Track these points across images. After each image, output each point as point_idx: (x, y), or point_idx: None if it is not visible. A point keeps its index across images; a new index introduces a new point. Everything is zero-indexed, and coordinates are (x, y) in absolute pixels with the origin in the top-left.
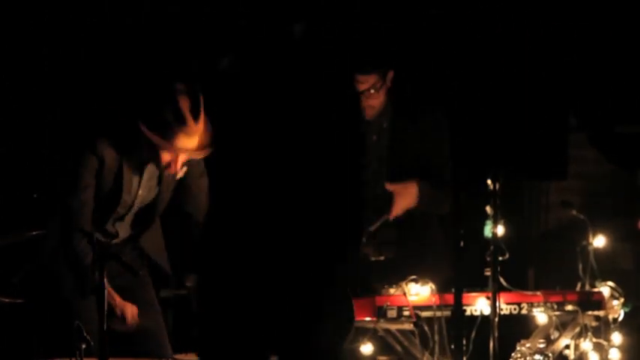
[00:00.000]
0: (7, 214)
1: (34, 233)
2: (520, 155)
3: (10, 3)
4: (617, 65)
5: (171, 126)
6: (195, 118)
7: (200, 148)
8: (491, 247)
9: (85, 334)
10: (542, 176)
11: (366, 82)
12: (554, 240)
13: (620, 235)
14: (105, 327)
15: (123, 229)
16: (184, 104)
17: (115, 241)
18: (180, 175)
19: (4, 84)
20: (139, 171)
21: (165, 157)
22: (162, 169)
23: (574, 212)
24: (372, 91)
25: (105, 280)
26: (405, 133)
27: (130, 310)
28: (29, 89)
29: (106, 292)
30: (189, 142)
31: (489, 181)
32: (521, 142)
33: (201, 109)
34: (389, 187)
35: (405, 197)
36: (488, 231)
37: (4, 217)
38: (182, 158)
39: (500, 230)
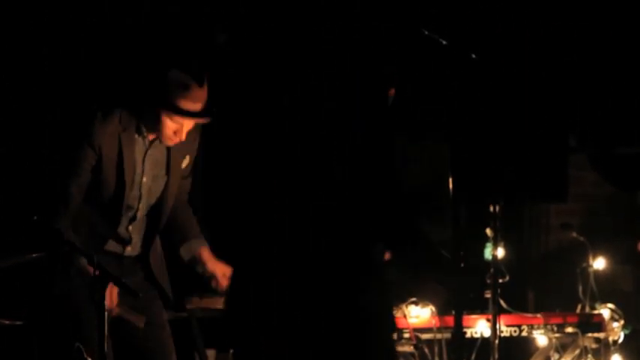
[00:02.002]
0: (7, 237)
1: (34, 256)
2: (520, 177)
3: (10, 3)
4: (617, 86)
5: (175, 90)
6: (200, 82)
7: (205, 112)
8: (492, 270)
9: (85, 357)
10: (542, 198)
11: None
12: (554, 262)
13: (620, 257)
14: (105, 348)
15: (136, 234)
16: (187, 71)
17: (127, 250)
18: (185, 163)
19: (3, 88)
20: (141, 157)
21: (170, 127)
22: (169, 156)
23: (574, 234)
24: None
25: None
26: (404, 153)
27: (109, 293)
28: (28, 92)
29: (106, 314)
30: (194, 107)
31: (490, 204)
32: (522, 165)
33: (205, 75)
34: None
35: None
36: (488, 253)
37: (3, 239)
38: (187, 126)
39: (501, 252)
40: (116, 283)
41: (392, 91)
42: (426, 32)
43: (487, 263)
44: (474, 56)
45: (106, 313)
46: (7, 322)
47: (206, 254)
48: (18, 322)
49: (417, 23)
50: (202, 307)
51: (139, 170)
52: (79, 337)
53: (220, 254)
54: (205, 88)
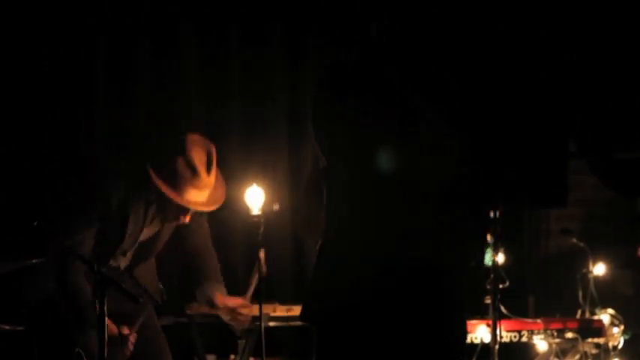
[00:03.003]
0: (7, 242)
1: (34, 261)
2: (520, 183)
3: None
4: (616, 91)
5: (181, 177)
6: (208, 170)
7: (210, 202)
8: (492, 275)
9: None
10: (542, 204)
11: None
12: (554, 267)
13: (620, 262)
14: (105, 354)
15: (123, 263)
16: (197, 156)
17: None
18: (184, 220)
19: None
20: (144, 213)
21: (174, 209)
22: (169, 220)
23: (574, 239)
24: None
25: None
26: None
27: (129, 337)
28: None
29: (106, 318)
30: (199, 196)
31: (490, 209)
32: (521, 170)
33: (214, 162)
34: None
35: None
36: (488, 259)
37: (4, 244)
38: (192, 211)
39: (501, 258)
40: (117, 289)
41: None
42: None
43: (487, 268)
44: (474, 62)
45: (105, 317)
46: (7, 327)
47: (219, 300)
48: (19, 327)
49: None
50: (202, 313)
51: (139, 224)
52: (79, 343)
53: None
54: (213, 175)
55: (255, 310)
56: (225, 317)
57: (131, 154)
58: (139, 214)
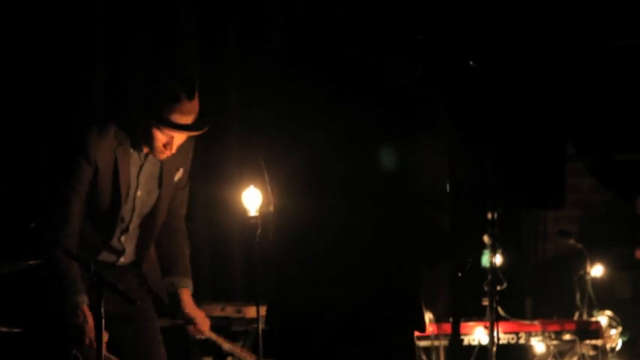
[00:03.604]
0: (4, 244)
1: (30, 263)
2: (518, 185)
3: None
4: (614, 94)
5: (164, 104)
6: (190, 95)
7: (195, 125)
8: (489, 277)
9: None
10: (540, 205)
11: None
12: (552, 269)
13: (618, 264)
14: (102, 356)
15: (129, 244)
16: (177, 84)
17: (121, 261)
18: (178, 175)
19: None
20: (136, 171)
21: (160, 139)
22: (162, 169)
23: (572, 241)
24: None
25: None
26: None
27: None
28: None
29: (103, 321)
30: (184, 119)
31: (488, 211)
32: (519, 172)
33: (195, 88)
34: None
35: None
36: (486, 260)
37: (0, 246)
38: (178, 139)
39: (498, 259)
40: (113, 291)
41: None
42: (423, 39)
43: (485, 270)
44: (472, 63)
45: (102, 320)
46: (5, 329)
47: (186, 298)
48: (16, 330)
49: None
50: None
51: (133, 184)
52: (75, 345)
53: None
54: (196, 100)
55: (207, 333)
56: (184, 317)
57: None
58: (130, 174)
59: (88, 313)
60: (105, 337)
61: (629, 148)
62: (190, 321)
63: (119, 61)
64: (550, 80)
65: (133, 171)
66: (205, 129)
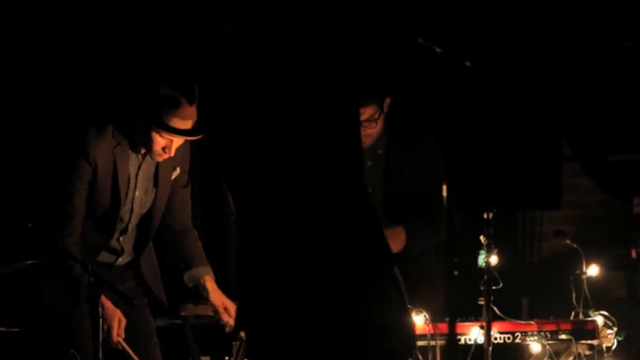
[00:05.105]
0: (2, 243)
1: (28, 262)
2: (514, 185)
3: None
4: (610, 94)
5: (164, 108)
6: (190, 100)
7: (194, 131)
8: (485, 277)
9: None
10: (536, 206)
11: (364, 113)
12: (547, 269)
13: (614, 264)
14: (100, 355)
15: (127, 244)
16: (177, 88)
17: (119, 261)
18: (175, 174)
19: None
20: (135, 171)
21: (159, 143)
22: (158, 168)
23: (568, 241)
24: (371, 122)
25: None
26: (400, 160)
27: (117, 325)
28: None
29: (101, 320)
30: (184, 124)
31: (483, 211)
32: (515, 172)
33: (195, 93)
34: None
35: (394, 242)
36: (481, 260)
37: None
38: (176, 143)
39: (494, 259)
40: (111, 291)
41: (387, 100)
42: (420, 40)
43: (480, 270)
44: (468, 64)
45: (100, 320)
46: (2, 328)
47: (210, 284)
48: (14, 329)
49: (411, 31)
50: (197, 314)
51: (132, 184)
52: (73, 344)
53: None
54: (195, 105)
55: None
56: (212, 309)
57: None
58: (130, 174)
59: (106, 301)
60: (123, 322)
61: (625, 148)
62: (219, 309)
63: (118, 60)
64: (546, 81)
65: (132, 171)
66: (204, 134)
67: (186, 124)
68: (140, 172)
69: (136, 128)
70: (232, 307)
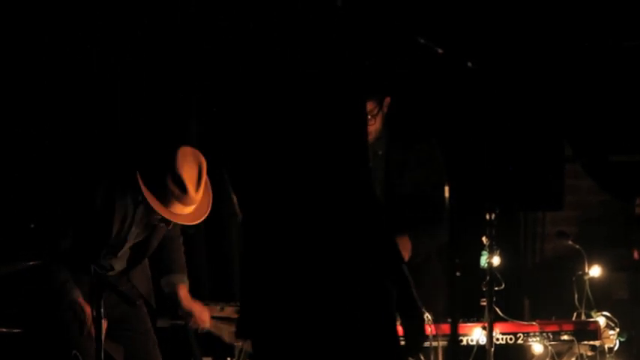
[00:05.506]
0: (4, 244)
1: (30, 263)
2: (516, 185)
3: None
4: (612, 95)
5: (170, 192)
6: (196, 187)
7: (195, 216)
8: (487, 277)
9: None
10: (538, 207)
11: None
12: (550, 270)
13: (616, 265)
14: (102, 357)
15: (118, 264)
16: (186, 172)
17: (110, 273)
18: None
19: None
20: (132, 210)
21: (159, 215)
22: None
23: (570, 242)
24: (369, 117)
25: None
26: (401, 160)
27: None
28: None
29: (102, 322)
30: (185, 210)
31: (486, 212)
32: (517, 173)
33: (204, 178)
34: None
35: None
36: (484, 261)
37: (0, 246)
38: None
39: (496, 260)
40: (113, 292)
41: (387, 100)
42: (422, 40)
43: (483, 271)
44: (470, 64)
45: (102, 320)
46: (5, 329)
47: (182, 293)
48: (15, 330)
49: (413, 32)
50: None
51: (127, 222)
52: (76, 345)
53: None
54: (201, 192)
55: (207, 325)
56: (181, 312)
57: (124, 151)
58: (127, 212)
59: (85, 305)
60: (104, 324)
61: (627, 149)
62: (189, 315)
63: (118, 60)
64: (548, 81)
65: (129, 211)
66: (202, 219)
67: (188, 210)
68: (137, 212)
69: (141, 194)
70: (204, 313)
